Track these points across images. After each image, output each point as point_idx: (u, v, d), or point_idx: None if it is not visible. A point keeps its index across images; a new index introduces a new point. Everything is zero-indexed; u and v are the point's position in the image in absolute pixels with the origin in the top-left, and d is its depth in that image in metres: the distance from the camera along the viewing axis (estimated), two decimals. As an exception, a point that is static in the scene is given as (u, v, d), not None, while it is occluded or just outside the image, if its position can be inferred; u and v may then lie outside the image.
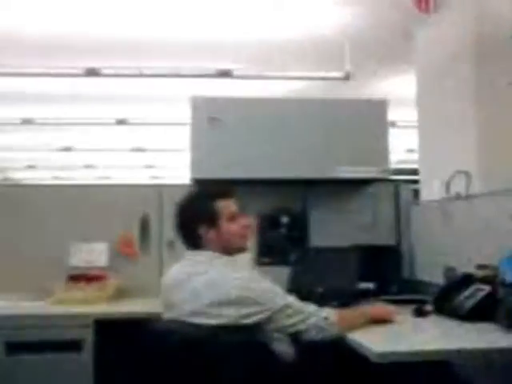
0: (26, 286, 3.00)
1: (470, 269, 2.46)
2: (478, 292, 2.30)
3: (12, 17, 5.43)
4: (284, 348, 2.10)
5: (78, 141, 11.36)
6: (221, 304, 1.99)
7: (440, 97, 4.80)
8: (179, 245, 3.19)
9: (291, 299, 2.12)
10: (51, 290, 2.96)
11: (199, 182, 3.18)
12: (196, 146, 3.10)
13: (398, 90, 7.14)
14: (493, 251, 2.34)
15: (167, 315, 2.15)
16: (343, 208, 3.38)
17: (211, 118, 3.07)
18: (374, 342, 1.93)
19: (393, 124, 6.70)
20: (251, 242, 2.77)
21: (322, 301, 2.29)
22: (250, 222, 2.30)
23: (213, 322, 1.98)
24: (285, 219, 3.34)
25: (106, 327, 2.61)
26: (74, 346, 2.58)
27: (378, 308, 2.38)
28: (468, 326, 2.18)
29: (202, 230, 2.15)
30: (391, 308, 2.41)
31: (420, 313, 2.43)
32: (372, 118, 3.20)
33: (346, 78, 6.02)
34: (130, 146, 11.82)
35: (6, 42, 5.90)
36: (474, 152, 4.19)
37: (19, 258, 3.17)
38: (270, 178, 3.09)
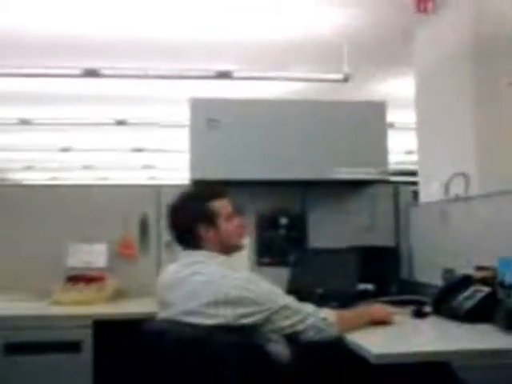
0: (24, 287, 3.00)
1: (469, 270, 2.47)
2: (477, 293, 2.30)
3: (11, 17, 5.43)
4: (279, 349, 2.10)
5: (77, 141, 11.37)
6: (218, 303, 1.99)
7: (439, 98, 4.81)
8: (177, 245, 3.23)
9: (289, 300, 2.11)
10: (50, 290, 2.95)
11: (197, 183, 3.18)
12: (195, 147, 3.10)
13: (397, 91, 7.16)
14: (491, 252, 2.34)
15: (163, 314, 2.14)
16: (342, 209, 3.39)
17: (210, 119, 3.07)
18: (373, 343, 1.92)
19: (391, 125, 6.71)
20: (247, 242, 2.79)
21: (321, 302, 2.29)
22: (243, 221, 2.33)
23: (210, 321, 1.98)
24: (284, 220, 3.34)
25: (105, 328, 2.61)
26: (73, 346, 2.57)
27: (376, 309, 2.37)
28: (467, 327, 2.18)
29: (202, 230, 2.16)
30: (390, 309, 2.41)
31: (419, 314, 2.43)
32: (371, 119, 3.20)
33: (345, 79, 6.04)
34: (129, 146, 11.82)
35: (5, 43, 5.90)
36: (473, 153, 4.20)
37: (18, 258, 3.16)
38: (268, 179, 3.10)
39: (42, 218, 3.23)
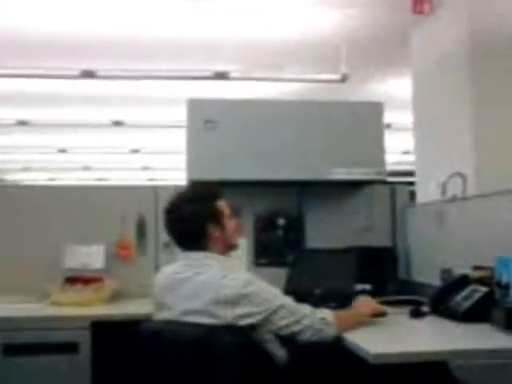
0: (22, 288, 3.00)
1: (466, 270, 2.47)
2: (475, 293, 2.31)
3: (9, 18, 5.42)
4: (278, 350, 2.11)
5: (75, 142, 11.35)
6: (218, 304, 1.99)
7: (436, 99, 4.81)
8: (175, 246, 3.23)
9: (287, 300, 2.12)
10: (48, 291, 2.95)
11: (193, 184, 3.18)
12: (192, 147, 3.10)
13: (394, 92, 7.17)
14: (489, 252, 2.35)
15: (163, 315, 2.14)
16: (339, 210, 3.39)
17: (207, 120, 3.07)
18: (371, 343, 1.93)
19: (389, 126, 6.72)
20: (242, 242, 2.83)
21: (319, 302, 2.30)
22: (239, 221, 2.38)
23: (209, 321, 1.98)
24: (281, 221, 3.34)
25: (103, 329, 2.61)
26: (70, 348, 2.57)
27: (365, 307, 2.37)
28: (464, 327, 2.19)
29: (211, 229, 2.17)
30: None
31: (416, 314, 2.43)
32: (368, 120, 3.20)
33: (342, 80, 6.03)
34: (127, 147, 11.81)
35: (2, 43, 5.90)
36: (470, 154, 4.20)
37: (15, 260, 3.16)
38: (266, 179, 3.10)
39: (40, 219, 3.23)
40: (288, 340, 2.13)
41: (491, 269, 2.28)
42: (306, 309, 2.13)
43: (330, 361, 2.32)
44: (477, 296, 2.29)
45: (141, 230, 3.29)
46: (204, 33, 5.78)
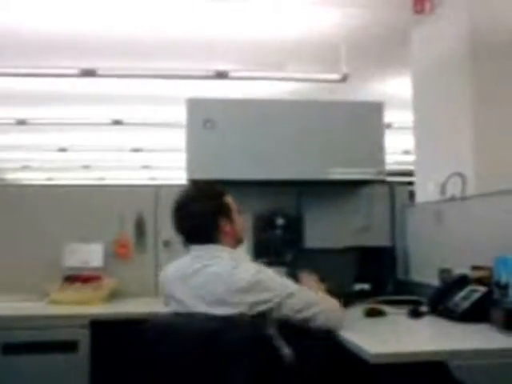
0: (21, 287, 3.00)
1: (465, 270, 2.47)
2: (473, 293, 2.31)
3: (9, 17, 5.42)
4: (282, 348, 2.12)
5: (74, 141, 11.35)
6: (231, 292, 2.02)
7: (435, 98, 4.81)
8: (175, 244, 3.23)
9: (297, 287, 2.16)
10: (47, 290, 2.95)
11: (196, 182, 3.18)
12: (192, 147, 3.10)
13: (395, 91, 7.17)
14: (487, 252, 2.35)
15: (171, 308, 2.16)
16: (338, 209, 3.39)
17: (207, 119, 3.07)
18: (370, 343, 1.93)
19: (389, 126, 6.72)
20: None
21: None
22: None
23: (223, 310, 2.00)
24: (280, 220, 3.34)
25: (102, 328, 2.61)
26: (69, 346, 2.57)
27: (308, 282, 2.42)
28: (463, 327, 2.19)
29: (222, 223, 2.20)
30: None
31: (415, 314, 2.44)
32: (368, 119, 3.20)
33: (343, 79, 6.04)
34: (127, 146, 11.81)
35: (2, 42, 5.89)
36: (470, 154, 4.21)
37: (14, 258, 3.16)
38: (265, 179, 3.10)
39: (39, 217, 3.23)
40: (288, 339, 2.14)
41: (490, 269, 2.28)
42: (316, 295, 2.19)
43: (330, 361, 2.32)
44: (476, 296, 2.29)
45: (140, 228, 3.29)
46: (204, 32, 5.78)
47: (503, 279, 2.15)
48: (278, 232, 3.33)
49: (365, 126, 3.18)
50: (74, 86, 7.36)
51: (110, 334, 2.60)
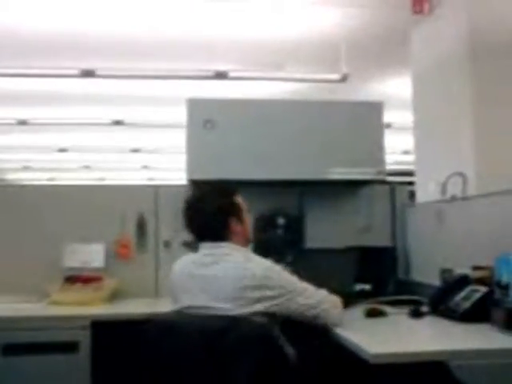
0: (22, 288, 2.99)
1: (466, 270, 2.47)
2: (474, 293, 2.31)
3: (8, 17, 5.42)
4: (285, 347, 2.12)
5: (74, 142, 11.35)
6: (243, 288, 2.04)
7: (435, 98, 4.81)
8: (175, 245, 3.24)
9: (305, 284, 2.19)
10: (47, 291, 2.95)
11: (195, 183, 3.18)
12: (192, 147, 3.10)
13: (394, 91, 7.17)
14: (488, 252, 2.35)
15: (181, 303, 2.17)
16: (339, 209, 3.39)
17: (207, 119, 3.07)
18: (371, 343, 1.93)
19: (389, 125, 6.72)
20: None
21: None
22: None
23: (234, 304, 2.03)
24: (281, 220, 3.33)
25: (103, 328, 2.61)
26: (70, 347, 2.57)
27: None
28: (464, 327, 2.19)
29: (233, 223, 2.23)
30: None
31: (416, 314, 2.44)
32: (368, 119, 3.20)
33: (342, 79, 6.04)
34: (127, 147, 11.81)
35: (2, 43, 5.89)
36: (470, 154, 4.21)
37: (15, 259, 3.16)
38: (265, 179, 3.10)
39: (40, 218, 3.23)
40: (289, 339, 2.14)
41: (491, 269, 2.28)
42: (323, 293, 2.22)
43: (330, 361, 2.32)
44: (476, 296, 2.29)
45: (141, 228, 3.29)
46: (204, 32, 5.78)
47: (504, 279, 2.15)
48: (279, 232, 3.32)
49: (365, 126, 3.19)
50: (74, 87, 7.36)
51: (111, 335, 2.60)
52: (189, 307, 2.13)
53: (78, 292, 2.95)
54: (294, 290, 2.12)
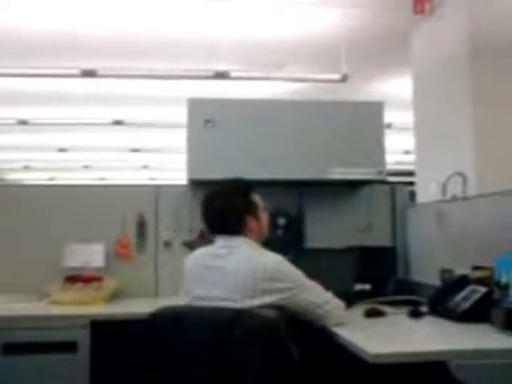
0: (22, 287, 3.00)
1: (466, 270, 2.47)
2: (474, 293, 2.31)
3: (9, 17, 5.42)
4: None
5: (75, 142, 11.35)
6: (254, 280, 2.07)
7: (436, 99, 4.81)
8: (176, 245, 3.24)
9: (314, 283, 2.23)
10: (48, 291, 2.95)
11: (196, 183, 3.19)
12: (192, 147, 3.10)
13: (395, 91, 7.17)
14: (488, 252, 2.35)
15: (195, 293, 2.19)
16: (339, 209, 3.39)
17: (207, 119, 3.07)
18: (370, 343, 1.93)
19: (389, 126, 6.72)
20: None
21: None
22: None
23: (245, 297, 2.06)
24: (281, 220, 3.33)
25: (103, 328, 2.61)
26: (70, 346, 2.57)
27: None
28: (463, 327, 2.19)
29: (249, 220, 2.28)
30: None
31: (415, 314, 2.44)
32: (368, 119, 3.21)
33: (343, 79, 6.04)
34: (126, 146, 11.81)
35: (3, 43, 5.89)
36: (470, 154, 4.21)
37: (16, 259, 3.16)
38: (266, 179, 3.10)
39: (40, 218, 3.23)
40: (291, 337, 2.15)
41: (491, 269, 2.28)
42: (329, 294, 2.26)
43: (330, 361, 2.32)
44: (476, 296, 2.29)
45: (141, 228, 3.29)
46: (204, 32, 5.78)
47: (504, 279, 2.15)
48: (279, 232, 3.33)
49: (365, 126, 3.19)
50: (74, 87, 7.36)
51: (111, 335, 2.60)
52: (201, 298, 2.15)
53: (78, 292, 2.95)
54: (303, 286, 2.17)
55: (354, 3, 5.18)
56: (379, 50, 6.17)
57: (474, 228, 2.63)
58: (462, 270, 2.52)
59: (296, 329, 2.18)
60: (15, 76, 6.35)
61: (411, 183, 4.81)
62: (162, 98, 8.06)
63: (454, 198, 2.93)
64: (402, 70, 6.21)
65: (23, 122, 8.97)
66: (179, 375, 2.00)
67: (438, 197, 3.25)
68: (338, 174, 3.12)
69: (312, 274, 2.26)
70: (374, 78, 7.40)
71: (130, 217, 3.28)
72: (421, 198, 4.61)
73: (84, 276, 3.07)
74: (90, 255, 3.20)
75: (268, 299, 2.08)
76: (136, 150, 12.07)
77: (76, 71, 5.95)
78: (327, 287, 2.30)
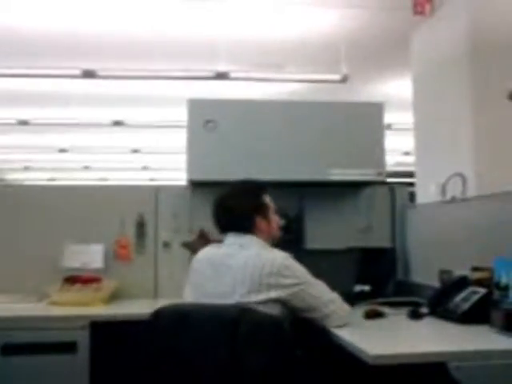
0: (21, 288, 3.00)
1: (465, 271, 2.47)
2: (473, 294, 2.31)
3: (9, 17, 5.43)
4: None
5: (75, 142, 11.36)
6: (261, 275, 2.09)
7: (436, 100, 4.81)
8: (175, 246, 3.24)
9: (320, 282, 2.25)
10: (47, 291, 2.95)
11: (195, 184, 3.19)
12: (192, 147, 3.10)
13: (395, 92, 7.17)
14: (487, 253, 2.35)
15: (202, 290, 2.21)
16: (339, 210, 3.39)
17: (207, 120, 3.07)
18: (370, 344, 1.93)
19: (389, 126, 6.72)
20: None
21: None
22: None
23: (250, 292, 2.08)
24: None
25: (102, 329, 2.61)
26: (69, 347, 2.57)
27: None
28: (463, 328, 2.19)
29: (258, 220, 2.30)
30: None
31: (415, 315, 2.43)
32: (368, 120, 3.20)
33: (343, 80, 6.05)
34: (126, 147, 11.82)
35: (3, 43, 5.90)
36: (470, 155, 4.20)
37: (15, 259, 3.16)
38: (266, 180, 3.09)
39: (40, 218, 3.23)
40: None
41: (490, 270, 2.27)
42: (335, 295, 2.27)
43: (330, 362, 2.32)
44: (476, 297, 2.28)
45: (140, 229, 3.29)
46: (204, 33, 5.79)
47: (503, 280, 2.15)
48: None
49: (365, 127, 3.18)
50: (74, 87, 7.37)
51: (110, 335, 2.60)
52: (208, 295, 2.16)
53: (77, 292, 2.95)
54: (309, 282, 2.19)
55: (354, 4, 5.18)
56: (379, 50, 6.18)
57: (474, 229, 2.63)
58: (461, 271, 2.52)
59: (297, 330, 2.19)
60: (15, 76, 6.36)
61: (411, 184, 4.81)
62: (162, 98, 8.07)
63: (453, 199, 2.92)
64: (401, 71, 6.21)
65: (23, 122, 8.98)
66: (183, 372, 1.99)
67: (438, 198, 3.25)
68: (337, 175, 3.12)
69: (312, 274, 2.26)
70: (373, 78, 7.41)
71: (130, 217, 3.27)
72: (420, 198, 4.60)
73: (83, 277, 3.07)
74: (90, 256, 3.19)
75: (274, 294, 2.10)
76: (136, 151, 12.08)
77: (76, 72, 5.96)
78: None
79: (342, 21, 5.54)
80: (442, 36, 4.69)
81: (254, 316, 1.98)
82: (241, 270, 2.13)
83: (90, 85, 7.01)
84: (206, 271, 2.23)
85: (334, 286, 2.30)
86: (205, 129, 3.07)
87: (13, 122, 8.96)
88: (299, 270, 2.19)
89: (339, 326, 2.20)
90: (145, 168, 14.45)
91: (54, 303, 2.90)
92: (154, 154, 12.33)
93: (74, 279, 3.04)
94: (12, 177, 15.10)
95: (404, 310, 2.51)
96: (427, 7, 4.75)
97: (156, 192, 3.31)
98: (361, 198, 3.42)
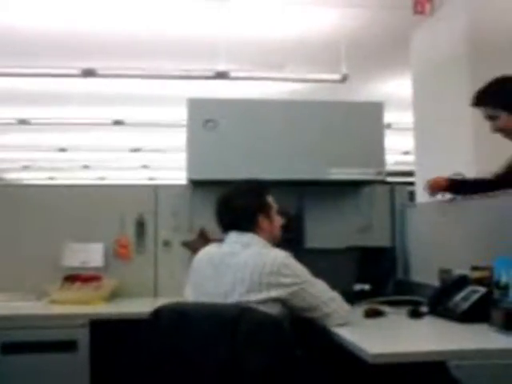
0: (21, 287, 3.00)
1: (465, 270, 2.47)
2: (473, 293, 2.31)
3: (8, 16, 5.43)
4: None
5: (74, 141, 11.36)
6: (261, 274, 2.10)
7: (436, 99, 4.81)
8: (175, 245, 3.24)
9: (320, 281, 2.25)
10: (47, 290, 2.95)
11: (195, 183, 3.19)
12: (192, 147, 3.10)
13: (395, 92, 7.18)
14: (487, 253, 2.35)
15: (203, 289, 2.21)
16: (339, 209, 3.39)
17: (207, 119, 3.07)
18: (370, 343, 1.93)
19: (389, 126, 6.72)
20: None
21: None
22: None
23: (250, 291, 2.08)
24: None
25: (102, 327, 2.61)
26: (69, 346, 2.57)
27: None
28: (463, 328, 2.19)
29: (260, 220, 2.32)
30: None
31: (415, 314, 2.43)
32: (368, 120, 3.20)
33: (343, 80, 6.05)
34: (126, 146, 11.82)
35: (3, 42, 5.90)
36: (470, 154, 4.21)
37: (14, 258, 3.16)
38: (265, 179, 3.09)
39: (40, 217, 3.23)
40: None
41: (490, 269, 2.27)
42: (336, 294, 2.26)
43: (330, 361, 2.32)
44: (475, 296, 2.28)
45: (140, 228, 3.29)
46: (204, 33, 5.78)
47: (503, 279, 2.14)
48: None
49: (365, 127, 3.19)
50: (74, 86, 7.37)
51: (110, 334, 2.60)
52: (208, 294, 2.16)
53: (77, 291, 2.95)
54: (310, 281, 2.19)
55: (353, 3, 5.18)
56: (379, 50, 6.19)
57: (474, 228, 2.63)
58: (461, 270, 2.52)
59: (296, 329, 2.19)
60: (15, 76, 6.36)
61: (411, 183, 4.81)
62: (161, 97, 8.08)
63: (453, 199, 2.92)
64: (402, 71, 6.21)
65: (23, 122, 8.97)
66: (183, 371, 2.00)
67: (438, 197, 3.24)
68: (337, 174, 3.12)
69: (312, 274, 2.26)
70: (373, 78, 7.41)
71: (130, 216, 3.27)
72: (420, 198, 4.60)
73: (83, 275, 3.07)
74: (89, 255, 3.20)
75: (274, 293, 2.10)
76: (136, 150, 12.07)
77: (76, 71, 5.96)
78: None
79: (341, 20, 5.54)
80: (441, 35, 4.69)
81: (254, 315, 1.98)
82: (241, 269, 2.13)
83: (89, 84, 7.01)
84: (207, 271, 2.24)
85: (333, 285, 2.30)
86: (204, 128, 3.07)
87: (12, 121, 8.96)
88: (299, 269, 2.20)
89: (339, 325, 2.20)
90: (145, 167, 14.45)
91: (54, 302, 2.90)
92: (153, 153, 12.33)
93: (74, 278, 3.04)
94: (12, 176, 15.10)
95: (404, 309, 2.51)
96: (427, 7, 4.75)
97: (156, 191, 3.32)
98: (361, 197, 3.43)
